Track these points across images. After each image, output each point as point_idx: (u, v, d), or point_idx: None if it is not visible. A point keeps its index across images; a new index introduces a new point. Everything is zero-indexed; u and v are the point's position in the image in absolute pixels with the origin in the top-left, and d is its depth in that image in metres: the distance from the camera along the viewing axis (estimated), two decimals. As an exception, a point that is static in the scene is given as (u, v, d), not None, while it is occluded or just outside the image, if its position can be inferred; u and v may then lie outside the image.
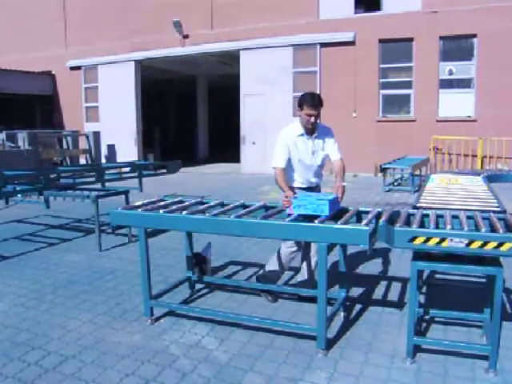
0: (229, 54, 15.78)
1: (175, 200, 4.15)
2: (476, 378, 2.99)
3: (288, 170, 4.05)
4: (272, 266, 4.29)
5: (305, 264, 4.30)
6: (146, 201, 4.02)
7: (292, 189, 4.01)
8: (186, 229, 3.97)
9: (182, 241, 4.56)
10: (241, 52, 15.39)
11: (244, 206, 3.93)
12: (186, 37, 16.29)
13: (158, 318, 3.90)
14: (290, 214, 3.50)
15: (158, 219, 3.61)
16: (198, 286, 4.60)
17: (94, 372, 3.08)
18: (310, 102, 3.87)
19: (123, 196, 6.47)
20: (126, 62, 17.03)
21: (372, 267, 5.24)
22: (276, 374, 3.05)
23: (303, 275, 4.32)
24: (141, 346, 3.44)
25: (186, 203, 4.02)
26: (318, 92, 14.47)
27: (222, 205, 4.00)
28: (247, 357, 3.28)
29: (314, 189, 4.20)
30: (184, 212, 3.57)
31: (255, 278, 4.50)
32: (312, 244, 4.12)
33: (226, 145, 21.91)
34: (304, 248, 4.21)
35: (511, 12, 12.49)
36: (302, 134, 4.02)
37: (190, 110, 22.42)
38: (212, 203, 4.02)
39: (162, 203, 3.98)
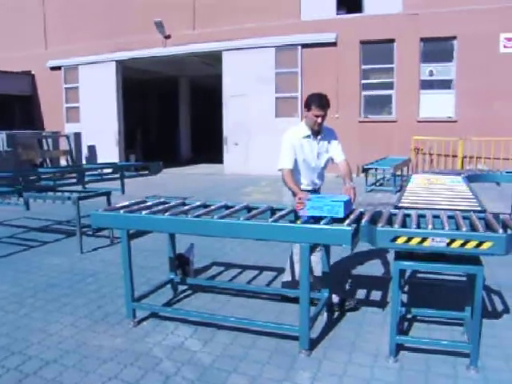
0: (211, 54, 15.75)
1: (157, 201, 4.12)
2: (458, 375, 3.03)
3: (294, 171, 4.00)
4: (286, 276, 4.28)
5: (289, 265, 4.29)
6: (127, 202, 3.99)
7: None
8: (169, 230, 3.95)
9: (165, 242, 4.54)
10: (223, 53, 15.37)
11: (227, 207, 3.92)
12: (168, 37, 16.21)
13: (140, 321, 3.87)
14: (301, 216, 3.45)
15: (140, 221, 3.58)
16: (181, 287, 4.57)
17: (76, 376, 3.04)
18: (317, 103, 3.86)
19: (105, 197, 6.42)
20: (107, 62, 16.88)
21: (355, 267, 5.26)
22: (260, 375, 3.05)
23: (287, 276, 4.31)
24: (123, 348, 3.41)
25: (169, 204, 3.99)
26: (299, 93, 14.55)
27: (205, 206, 3.99)
28: (231, 358, 3.27)
29: (317, 190, 4.18)
30: (166, 213, 3.55)
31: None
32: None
33: (208, 146, 21.85)
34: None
35: (489, 15, 12.69)
36: (309, 136, 4.00)
37: (173, 111, 22.33)
38: (195, 204, 4.00)
39: (144, 204, 3.96)
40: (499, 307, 4.13)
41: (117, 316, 3.99)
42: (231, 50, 15.23)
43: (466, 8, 12.83)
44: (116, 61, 16.85)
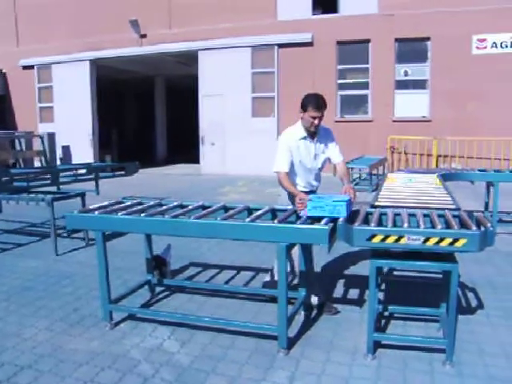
0: (187, 54, 15.66)
1: (133, 202, 4.08)
2: (434, 370, 3.08)
3: (290, 173, 3.93)
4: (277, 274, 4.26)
5: (276, 266, 4.23)
6: (103, 203, 3.94)
7: None
8: (145, 231, 3.91)
9: (142, 243, 4.49)
10: (199, 52, 15.30)
11: (204, 207, 3.91)
12: (143, 36, 16.06)
13: (117, 323, 3.83)
14: (301, 217, 3.42)
15: (116, 222, 3.55)
16: (159, 288, 4.54)
17: (52, 381, 2.99)
18: (314, 104, 3.76)
19: (79, 199, 6.33)
20: (81, 61, 16.63)
21: (332, 266, 5.30)
22: (239, 375, 3.05)
23: (273, 276, 4.27)
24: (100, 351, 3.37)
25: (145, 205, 3.96)
26: (275, 93, 14.59)
27: (182, 206, 3.97)
28: (209, 359, 3.26)
29: (313, 192, 4.10)
30: (142, 214, 3.52)
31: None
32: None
33: (185, 145, 21.72)
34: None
35: (462, 17, 12.92)
36: (305, 138, 3.92)
37: (149, 111, 22.15)
38: (171, 205, 3.98)
39: (120, 205, 3.91)
40: (474, 303, 4.21)
41: (93, 318, 3.93)
42: (207, 49, 15.17)
43: (440, 10, 13.03)
44: (90, 60, 16.61)
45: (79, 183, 7.65)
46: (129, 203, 4.02)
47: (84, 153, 16.39)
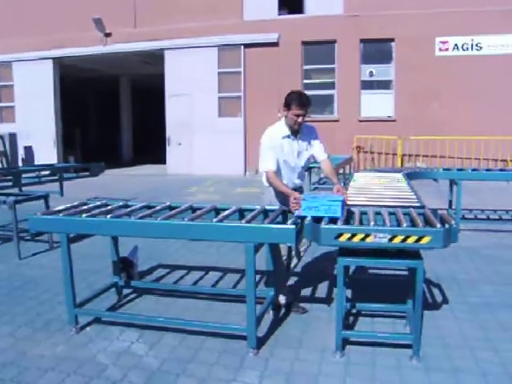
0: (153, 53, 15.49)
1: (99, 203, 4.01)
2: (401, 365, 3.13)
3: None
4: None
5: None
6: (67, 205, 3.85)
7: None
8: (111, 233, 3.84)
9: (108, 245, 4.41)
10: (165, 52, 15.16)
11: (171, 208, 3.87)
12: (107, 35, 15.79)
13: (83, 327, 3.75)
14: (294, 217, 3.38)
15: (81, 224, 3.48)
16: (126, 291, 4.47)
17: (15, 388, 2.91)
18: (298, 102, 3.71)
19: (43, 201, 6.17)
20: (44, 59, 16.22)
21: (302, 265, 5.32)
22: (208, 376, 3.03)
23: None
24: (66, 357, 3.29)
25: (110, 206, 3.89)
26: (242, 93, 14.60)
27: (148, 207, 3.92)
28: (178, 361, 3.23)
29: (297, 190, 3.97)
30: (108, 216, 3.46)
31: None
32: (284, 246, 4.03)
33: (151, 146, 21.49)
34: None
35: (425, 19, 13.21)
36: (289, 136, 3.86)
37: (114, 111, 21.81)
38: (137, 206, 3.92)
39: (85, 207, 3.84)
40: (439, 299, 4.30)
41: (58, 323, 3.84)
42: (173, 49, 15.04)
43: (404, 12, 13.29)
44: (53, 58, 16.21)
45: (42, 185, 7.49)
46: (94, 205, 3.95)
47: (47, 153, 15.99)
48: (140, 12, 15.50)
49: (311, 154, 4.06)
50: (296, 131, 3.88)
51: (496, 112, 13.03)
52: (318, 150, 4.04)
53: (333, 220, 3.19)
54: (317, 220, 3.21)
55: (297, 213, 3.40)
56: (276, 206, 3.84)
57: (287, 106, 3.77)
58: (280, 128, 3.89)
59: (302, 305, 4.11)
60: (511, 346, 3.39)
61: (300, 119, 3.75)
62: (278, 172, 3.90)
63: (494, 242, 6.30)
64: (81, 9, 15.76)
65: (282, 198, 3.85)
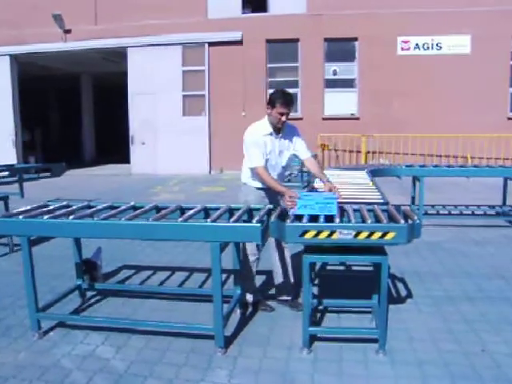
0: (115, 51, 15.24)
1: (61, 205, 3.91)
2: (368, 359, 3.18)
3: (255, 171, 3.83)
4: (277, 278, 4.16)
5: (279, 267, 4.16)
6: (28, 207, 3.74)
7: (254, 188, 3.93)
8: (74, 235, 3.75)
9: (70, 247, 4.31)
10: (128, 49, 14.94)
11: (135, 208, 3.81)
12: (67, 32, 15.43)
13: (46, 332, 3.65)
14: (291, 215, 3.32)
15: (43, 226, 3.38)
16: (90, 293, 4.38)
17: (-26, 397, 2.81)
18: (282, 100, 3.72)
19: (2, 203, 6.01)
20: (1, 56, 15.73)
21: (264, 263, 5.32)
22: (176, 377, 3.00)
23: (278, 278, 4.18)
24: (28, 363, 3.20)
25: (73, 208, 3.80)
26: (206, 91, 14.53)
27: (112, 207, 3.84)
28: (145, 363, 3.19)
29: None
30: (71, 217, 3.37)
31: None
32: (276, 246, 4.05)
33: (115, 145, 21.15)
34: (276, 251, 4.11)
35: (388, 19, 13.45)
36: (271, 134, 3.85)
37: (76, 109, 21.35)
38: (101, 206, 3.85)
39: (46, 209, 3.74)
40: (403, 293, 4.38)
41: (20, 328, 3.73)
42: (136, 46, 14.84)
43: (367, 12, 13.51)
44: (10, 55, 15.74)
45: (1, 186, 7.29)
46: (55, 206, 3.85)
47: (6, 154, 15.48)
48: (101, 8, 15.21)
49: (293, 154, 4.06)
50: (278, 130, 3.88)
51: (455, 110, 13.39)
52: (301, 148, 4.04)
53: (328, 218, 3.20)
54: (314, 218, 3.21)
55: (292, 211, 3.37)
56: (258, 204, 3.81)
57: (272, 104, 3.77)
58: (263, 125, 3.88)
59: (268, 303, 4.12)
60: (473, 337, 3.49)
61: (284, 118, 3.76)
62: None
63: (455, 237, 6.47)
64: (40, 4, 15.34)
65: (272, 195, 3.87)
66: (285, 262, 4.13)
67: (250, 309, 4.04)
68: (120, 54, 15.18)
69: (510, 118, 13.58)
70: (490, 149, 12.90)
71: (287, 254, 4.13)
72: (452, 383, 2.89)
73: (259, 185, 3.94)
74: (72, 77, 19.72)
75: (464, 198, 8.84)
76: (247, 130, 3.92)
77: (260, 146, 3.80)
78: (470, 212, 7.64)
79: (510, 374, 2.98)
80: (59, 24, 15.23)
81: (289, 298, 4.11)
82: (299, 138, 4.03)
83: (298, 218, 3.23)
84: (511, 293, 4.37)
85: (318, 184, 4.48)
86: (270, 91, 14.70)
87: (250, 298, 4.04)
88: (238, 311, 3.94)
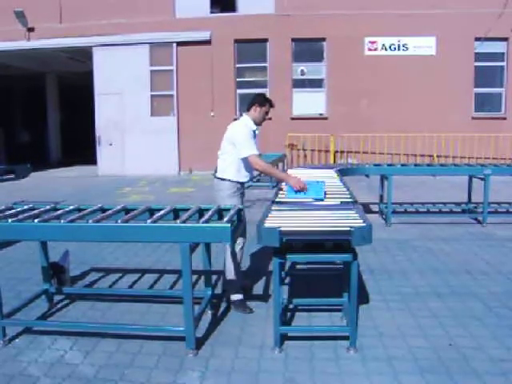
0: (80, 50, 14.94)
1: (25, 207, 3.81)
2: (339, 357, 3.21)
3: (235, 162, 4.09)
4: (229, 274, 4.13)
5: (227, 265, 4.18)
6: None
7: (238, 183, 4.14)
8: (40, 238, 3.66)
9: (36, 251, 4.21)
10: (94, 49, 14.67)
11: (103, 210, 3.75)
12: (30, 30, 15.05)
13: (12, 339, 3.54)
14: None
15: (7, 230, 3.28)
16: (58, 297, 4.29)
17: None
18: (271, 102, 4.26)
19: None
20: (-39, 55, 15.27)
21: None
22: (148, 381, 2.97)
23: (230, 275, 4.16)
24: (-8, 371, 3.11)
25: (38, 210, 3.71)
26: (175, 91, 14.44)
27: (79, 210, 3.77)
28: (116, 367, 3.13)
29: (248, 183, 4.41)
30: (36, 220, 3.29)
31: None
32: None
33: (81, 146, 20.75)
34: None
35: (355, 20, 13.60)
36: (255, 130, 4.22)
37: (40, 110, 20.88)
38: (67, 208, 3.77)
39: (11, 211, 3.64)
40: (372, 290, 4.44)
41: (-17, 335, 3.62)
42: (103, 45, 14.57)
43: (335, 12, 13.63)
44: (-30, 54, 15.30)
45: (-37, 189, 7.05)
46: (20, 209, 3.75)
47: (-33, 156, 15.10)
48: (66, 6, 14.87)
49: None
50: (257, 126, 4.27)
51: (422, 110, 13.65)
52: None
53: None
54: None
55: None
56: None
57: (262, 103, 4.21)
58: (249, 122, 4.22)
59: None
60: (441, 331, 3.56)
61: (267, 117, 4.31)
62: (240, 162, 4.10)
63: (422, 234, 6.59)
64: (2, 0, 14.91)
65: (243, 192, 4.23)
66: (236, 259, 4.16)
67: (221, 309, 4.02)
68: (86, 54, 14.89)
69: (474, 118, 13.91)
70: (456, 148, 13.19)
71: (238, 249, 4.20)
72: (421, 377, 2.94)
73: (244, 179, 4.21)
74: (37, 76, 19.27)
75: (431, 196, 9.03)
76: (239, 122, 4.21)
77: (252, 138, 4.14)
78: (436, 210, 7.81)
79: (477, 366, 3.06)
80: (22, 21, 14.83)
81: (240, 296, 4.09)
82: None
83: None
84: (477, 288, 4.48)
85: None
86: (239, 91, 14.74)
87: (238, 297, 4.04)
88: (209, 312, 3.92)
